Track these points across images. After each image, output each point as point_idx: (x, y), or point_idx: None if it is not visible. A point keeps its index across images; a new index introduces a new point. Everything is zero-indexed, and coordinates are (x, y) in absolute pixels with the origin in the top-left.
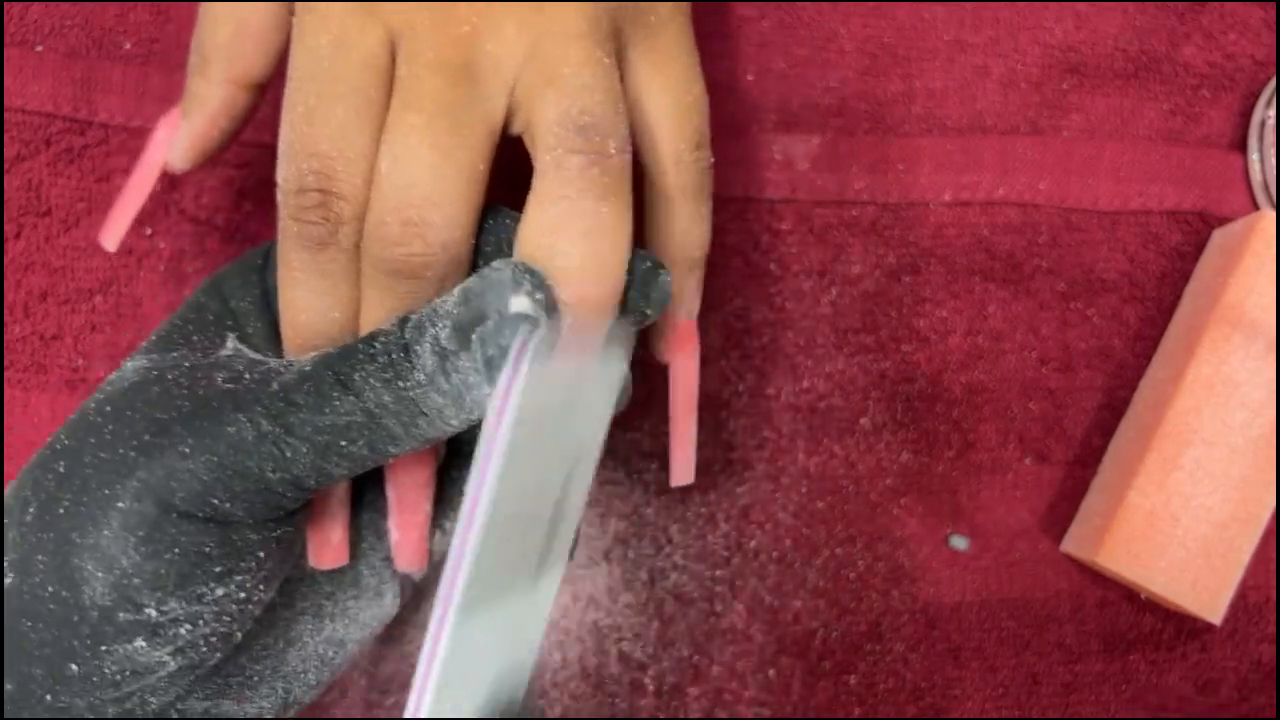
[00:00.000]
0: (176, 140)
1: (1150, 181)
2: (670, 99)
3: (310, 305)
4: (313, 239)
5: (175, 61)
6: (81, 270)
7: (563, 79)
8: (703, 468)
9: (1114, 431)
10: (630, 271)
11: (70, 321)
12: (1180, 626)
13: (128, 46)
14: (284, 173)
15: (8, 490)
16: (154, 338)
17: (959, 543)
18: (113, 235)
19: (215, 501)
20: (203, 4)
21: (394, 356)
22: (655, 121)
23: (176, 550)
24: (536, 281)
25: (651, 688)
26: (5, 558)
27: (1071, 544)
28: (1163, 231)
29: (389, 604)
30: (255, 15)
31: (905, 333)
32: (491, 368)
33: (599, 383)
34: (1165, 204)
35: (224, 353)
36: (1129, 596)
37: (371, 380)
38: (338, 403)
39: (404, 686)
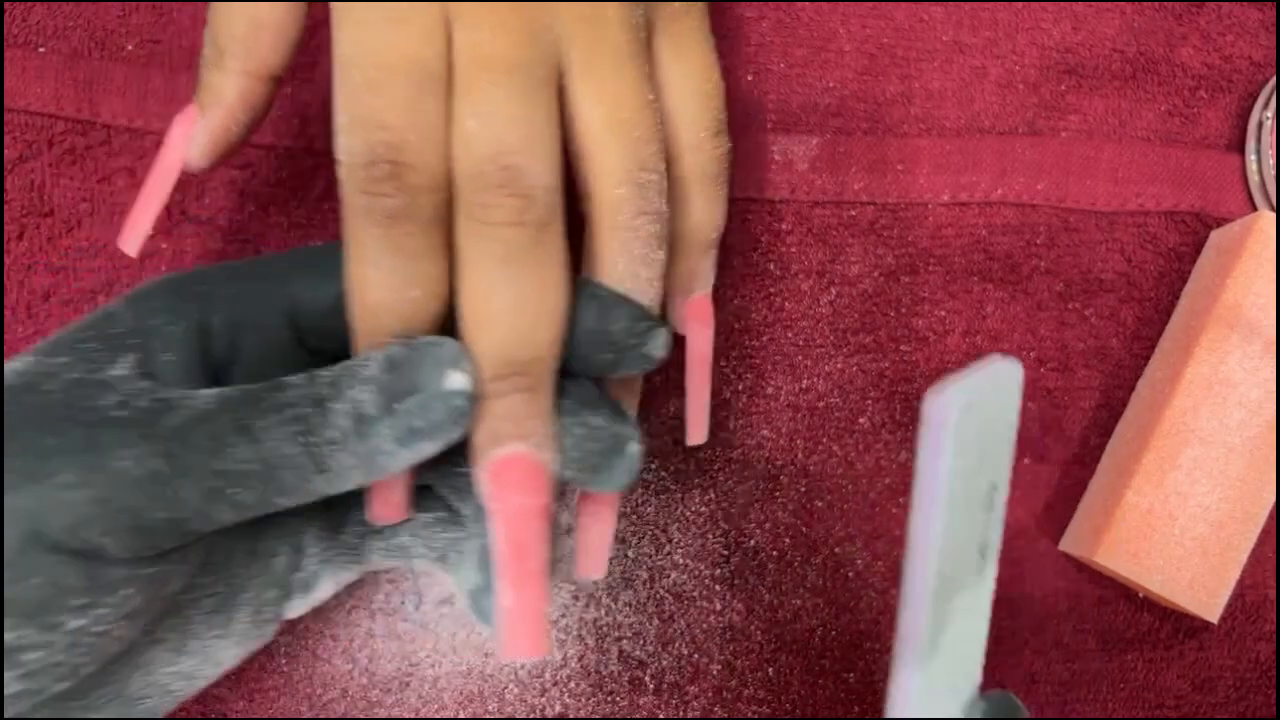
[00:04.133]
0: (194, 138)
1: (1148, 182)
2: (690, 85)
3: (384, 283)
4: (386, 212)
5: (177, 62)
6: (84, 271)
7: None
8: (703, 467)
9: (1112, 431)
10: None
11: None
12: (1178, 625)
13: (130, 47)
14: (348, 147)
15: None
16: (51, 338)
17: None
18: (133, 239)
19: (87, 535)
20: None
21: (305, 411)
22: (675, 107)
23: (37, 579)
24: (466, 365)
25: (651, 686)
26: None
27: (1069, 543)
28: (1160, 232)
29: (253, 645)
30: (269, 7)
31: (904, 333)
32: (414, 438)
33: (1004, 400)
34: (1163, 205)
35: (113, 371)
36: (1127, 595)
37: (274, 431)
38: (234, 449)
39: (405, 685)
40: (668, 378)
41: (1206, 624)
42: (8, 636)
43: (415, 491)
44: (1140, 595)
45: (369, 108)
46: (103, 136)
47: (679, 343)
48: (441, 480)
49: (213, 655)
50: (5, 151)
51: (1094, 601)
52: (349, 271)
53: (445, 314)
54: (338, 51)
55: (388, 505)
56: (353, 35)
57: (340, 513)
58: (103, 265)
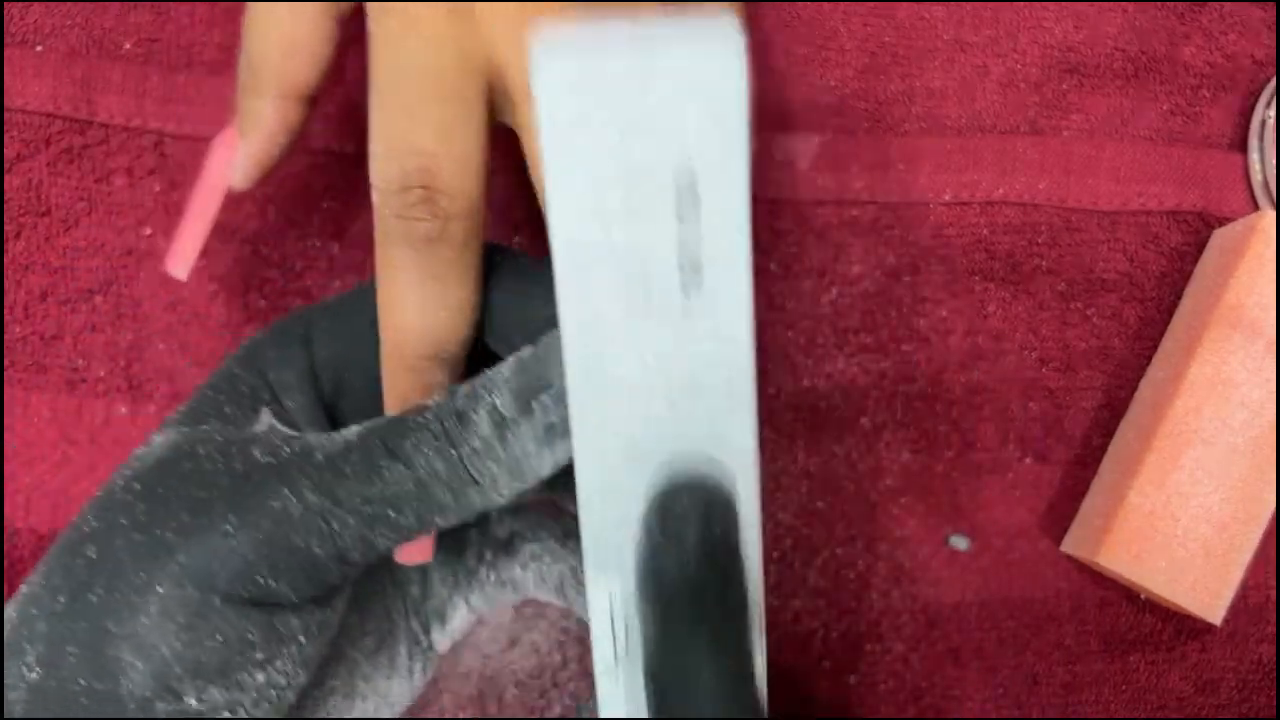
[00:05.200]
0: (237, 161)
1: (1150, 182)
2: None
3: (418, 306)
4: (419, 236)
5: (175, 61)
6: (81, 270)
7: None
8: None
9: (1114, 431)
10: None
11: (70, 321)
12: (1180, 627)
13: (128, 46)
14: (382, 171)
15: (31, 575)
16: (184, 409)
17: (959, 543)
18: (182, 264)
19: (260, 580)
20: (249, 21)
21: (447, 424)
22: None
23: (219, 636)
24: None
25: None
26: (34, 651)
27: (1071, 544)
28: (1163, 232)
29: (418, 679)
30: (304, 26)
31: (905, 332)
32: (552, 434)
33: (697, 60)
34: (1165, 204)
35: (258, 428)
36: (1129, 596)
37: (423, 448)
38: (387, 472)
39: None
40: None
41: (1209, 625)
42: (197, 702)
43: (526, 523)
44: (1142, 597)
45: (403, 133)
46: (100, 135)
47: None
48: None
49: (386, 695)
50: (3, 150)
51: (1096, 603)
52: (380, 292)
53: (473, 334)
54: (374, 76)
55: (413, 545)
56: (389, 60)
57: (459, 536)
58: (100, 265)
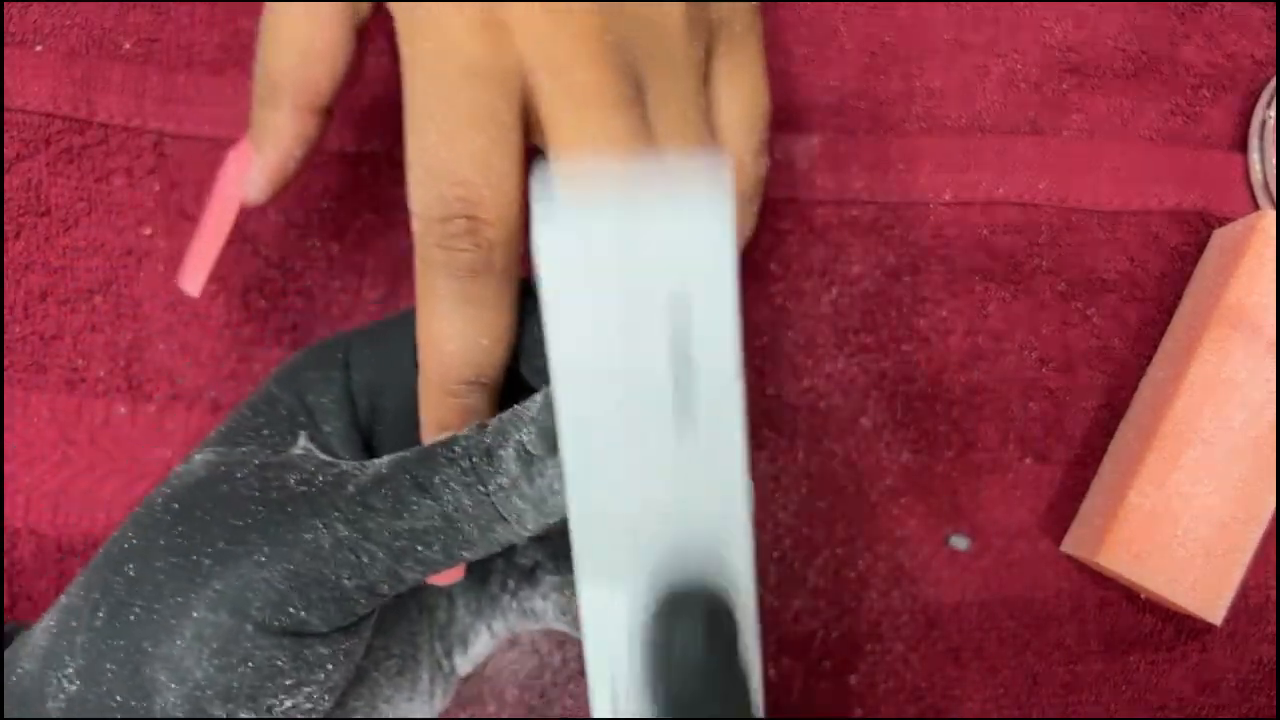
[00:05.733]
0: (252, 175)
1: (1151, 181)
2: (742, 109)
3: (459, 334)
4: (462, 266)
5: (175, 61)
6: (81, 270)
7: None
8: None
9: (1114, 431)
10: None
11: (70, 321)
12: (1181, 627)
13: (127, 46)
14: (424, 200)
15: (70, 588)
16: (223, 429)
17: (959, 543)
18: (195, 279)
19: (291, 610)
20: (266, 32)
21: (475, 460)
22: (722, 126)
23: (250, 663)
24: None
25: None
26: (73, 663)
27: (1072, 544)
28: (1163, 231)
29: (439, 702)
30: (322, 37)
31: (905, 332)
32: None
33: (691, 205)
34: (1166, 204)
35: (295, 451)
36: (1129, 597)
37: (452, 484)
38: (415, 507)
39: None
40: None
41: (1209, 626)
42: None
43: (548, 553)
44: (1143, 597)
45: (443, 162)
46: (100, 135)
47: None
48: None
49: (405, 714)
50: (3, 150)
51: (1096, 603)
52: (421, 319)
53: (510, 359)
54: (410, 103)
55: None
56: (426, 87)
57: (485, 563)
58: (100, 265)
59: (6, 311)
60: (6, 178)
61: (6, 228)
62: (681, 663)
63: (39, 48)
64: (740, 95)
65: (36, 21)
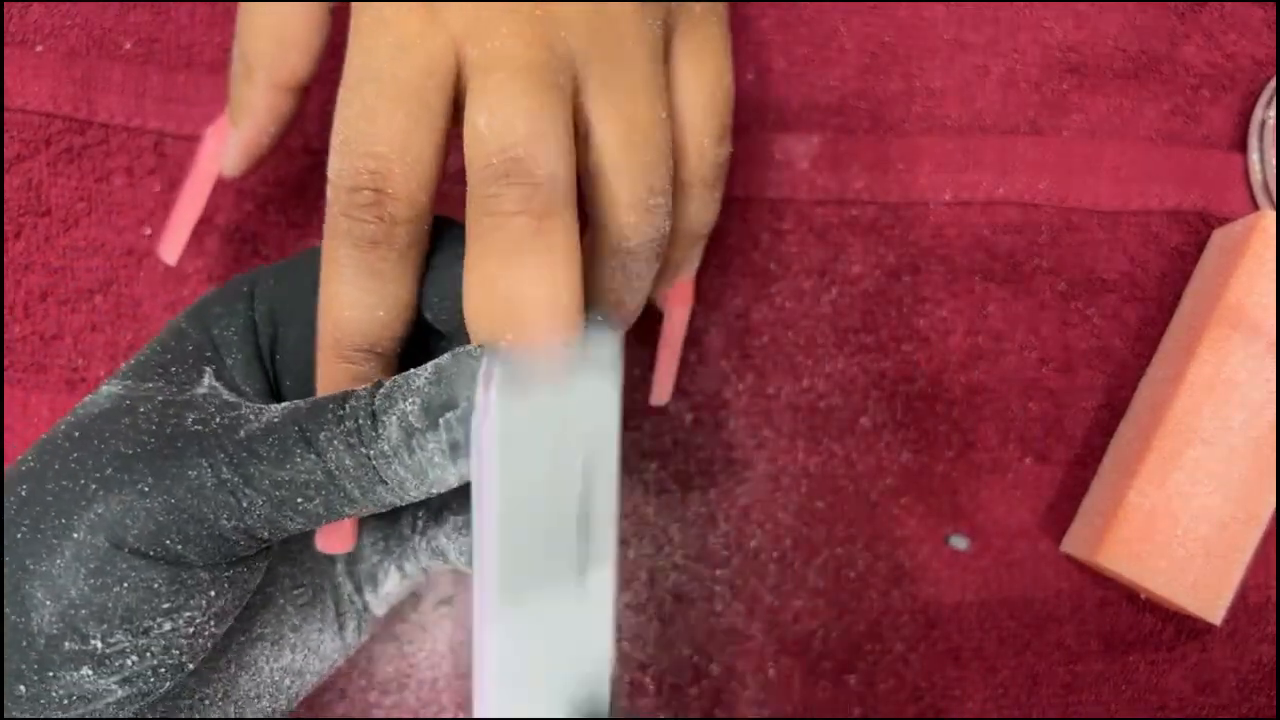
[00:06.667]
0: (228, 149)
1: (1150, 181)
2: (703, 94)
3: (356, 302)
4: (364, 237)
5: (175, 61)
6: (81, 270)
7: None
8: (703, 467)
9: (1114, 431)
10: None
11: (70, 321)
12: (1180, 627)
13: (127, 46)
14: (337, 168)
15: None
16: (133, 362)
17: (959, 543)
18: (172, 249)
19: (168, 542)
20: (243, 11)
21: (360, 422)
22: (683, 109)
23: (125, 585)
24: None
25: (652, 688)
26: None
27: (1071, 544)
28: (1163, 231)
29: (351, 638)
30: (296, 19)
31: (905, 332)
32: (456, 452)
33: (592, 381)
34: (1166, 204)
35: (199, 390)
36: (1129, 597)
37: (335, 442)
38: (299, 459)
39: (403, 686)
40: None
41: (1209, 626)
42: (103, 644)
43: (456, 492)
44: (1142, 597)
45: (362, 134)
46: (100, 135)
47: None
48: None
49: (317, 648)
50: (3, 150)
51: (1096, 603)
52: (323, 285)
53: (409, 333)
54: (345, 73)
55: (333, 535)
56: (359, 61)
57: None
58: (100, 264)
59: (6, 311)
60: (6, 178)
61: (6, 228)
62: None
63: (39, 48)
64: (701, 77)
65: (36, 21)
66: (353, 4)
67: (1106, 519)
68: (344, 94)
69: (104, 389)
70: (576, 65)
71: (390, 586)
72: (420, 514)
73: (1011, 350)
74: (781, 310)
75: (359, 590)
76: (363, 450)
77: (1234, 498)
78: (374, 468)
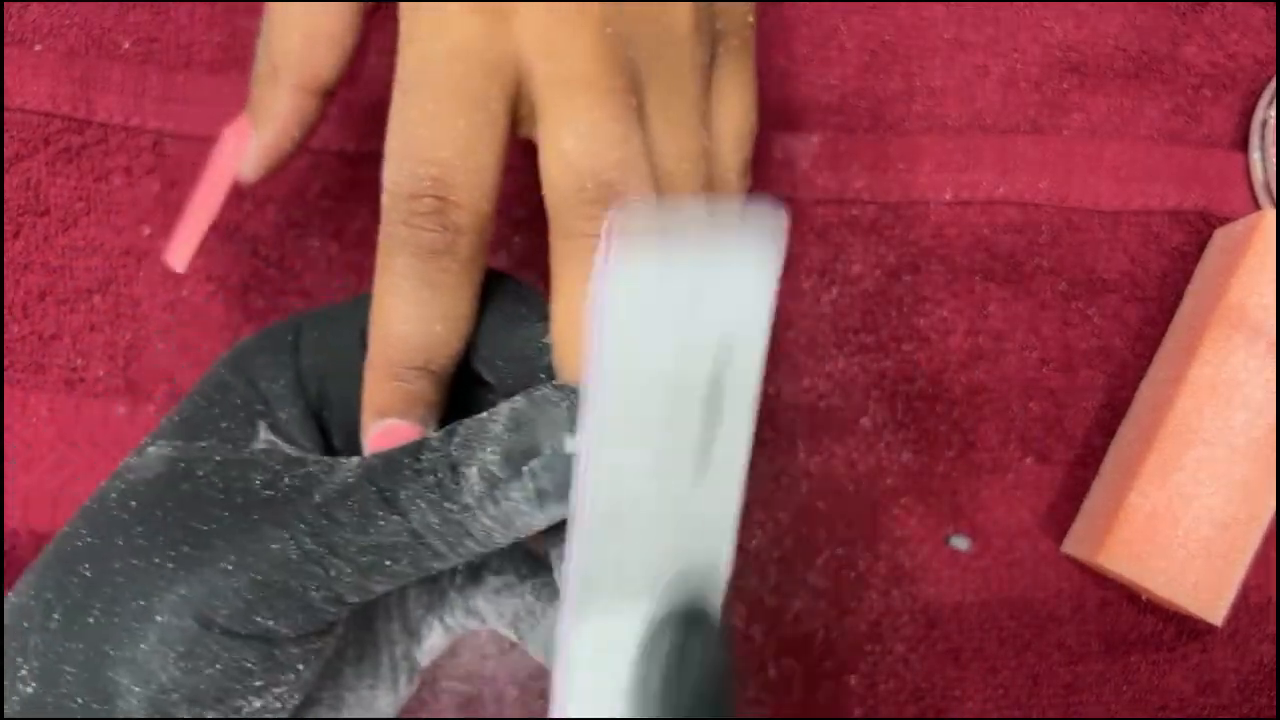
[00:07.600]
0: (248, 152)
1: (1151, 181)
2: (732, 124)
3: (412, 315)
4: (424, 246)
5: (174, 61)
6: (80, 270)
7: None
8: None
9: (1115, 432)
10: None
11: (69, 321)
12: (1181, 627)
13: (127, 46)
14: (395, 175)
15: (20, 585)
16: (177, 420)
17: (959, 543)
18: (181, 256)
19: (258, 619)
20: (271, 10)
21: (440, 475)
22: (713, 143)
23: (217, 666)
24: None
25: None
26: (27, 665)
27: (1072, 544)
28: (1164, 231)
29: (404, 690)
30: (328, 19)
31: (905, 332)
32: (544, 499)
33: (741, 253)
34: (1167, 203)
35: (257, 445)
36: (1130, 597)
37: (418, 500)
38: (383, 523)
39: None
40: None
41: (1210, 626)
42: None
43: (494, 554)
44: (1143, 597)
45: (422, 140)
46: (99, 135)
47: None
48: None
49: (372, 706)
50: (2, 150)
51: (1097, 604)
52: (376, 297)
53: (464, 351)
54: (400, 77)
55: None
56: (417, 65)
57: None
58: (99, 264)
59: (5, 311)
60: (5, 177)
61: (6, 227)
62: (705, 667)
63: (38, 47)
64: (732, 111)
65: (36, 21)
66: (404, 5)
67: (1107, 519)
68: (399, 98)
69: (150, 450)
70: (636, 86)
71: (435, 640)
72: (459, 573)
73: (1012, 350)
74: (782, 309)
75: (407, 643)
76: (445, 505)
77: (1235, 498)
78: (459, 522)
